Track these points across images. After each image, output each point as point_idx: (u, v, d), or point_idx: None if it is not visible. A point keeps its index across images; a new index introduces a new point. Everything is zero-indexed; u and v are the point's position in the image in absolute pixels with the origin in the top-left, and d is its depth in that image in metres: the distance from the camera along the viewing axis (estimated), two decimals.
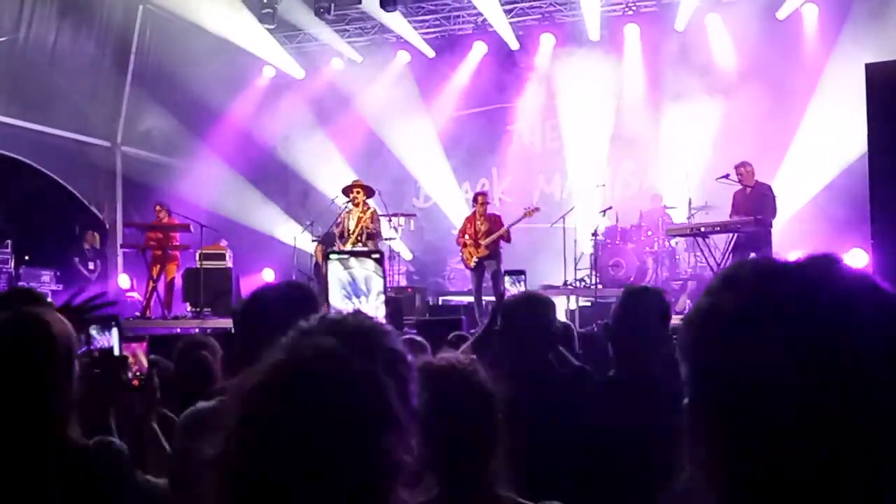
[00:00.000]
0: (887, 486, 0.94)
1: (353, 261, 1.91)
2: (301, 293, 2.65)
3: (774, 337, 0.94)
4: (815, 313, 0.94)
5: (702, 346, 1.01)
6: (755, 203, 10.68)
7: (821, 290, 0.96)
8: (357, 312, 1.37)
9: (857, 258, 11.15)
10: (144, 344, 2.83)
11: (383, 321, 1.60)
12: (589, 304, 12.27)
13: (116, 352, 2.67)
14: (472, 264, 11.83)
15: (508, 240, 11.80)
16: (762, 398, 0.94)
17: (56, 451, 2.09)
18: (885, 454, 0.93)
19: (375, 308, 1.85)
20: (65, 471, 2.08)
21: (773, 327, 0.95)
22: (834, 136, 12.65)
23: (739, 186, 11.05)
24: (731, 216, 10.96)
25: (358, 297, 1.86)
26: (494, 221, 11.85)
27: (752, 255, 10.34)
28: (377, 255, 1.88)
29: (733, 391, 0.97)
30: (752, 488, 0.96)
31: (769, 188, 10.96)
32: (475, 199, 12.23)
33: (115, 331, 2.67)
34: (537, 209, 12.16)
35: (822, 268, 1.00)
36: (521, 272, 4.03)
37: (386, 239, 13.47)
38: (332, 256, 1.94)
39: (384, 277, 1.90)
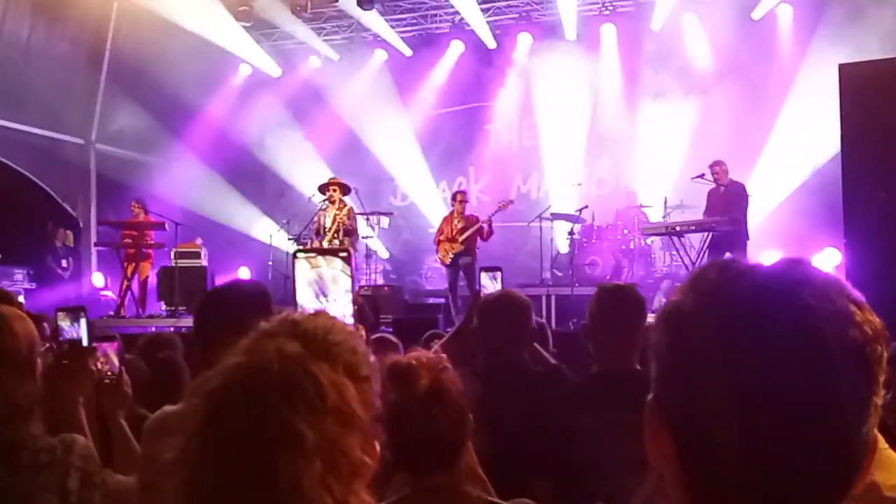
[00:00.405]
0: (837, 488, 0.95)
1: (320, 259, 1.89)
2: (256, 291, 2.64)
3: (728, 339, 0.95)
4: (773, 317, 0.94)
5: (663, 345, 1.02)
6: (729, 202, 10.75)
7: (781, 295, 0.96)
8: (319, 312, 1.36)
9: (831, 257, 11.25)
10: (116, 344, 2.82)
11: (351, 321, 1.59)
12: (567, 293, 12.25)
13: (85, 342, 2.66)
14: (448, 261, 11.83)
15: (490, 233, 11.82)
16: (713, 400, 0.95)
17: (19, 449, 2.06)
18: (835, 457, 0.94)
19: (343, 307, 1.83)
20: (29, 468, 2.06)
21: (728, 329, 0.95)
22: (808, 135, 12.73)
23: (714, 185, 11.12)
24: (704, 215, 11.03)
25: (326, 296, 1.84)
26: (471, 221, 11.88)
27: (728, 254, 10.41)
28: (345, 254, 1.86)
29: (687, 390, 0.97)
30: (703, 487, 0.97)
31: (742, 187, 11.03)
32: (454, 198, 12.25)
33: (83, 321, 2.67)
34: (511, 202, 12.22)
35: (788, 272, 1.00)
36: (498, 268, 4.00)
37: (363, 237, 13.45)
38: (299, 255, 1.92)
39: (352, 276, 1.88)
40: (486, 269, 3.93)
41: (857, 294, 0.99)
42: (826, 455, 0.93)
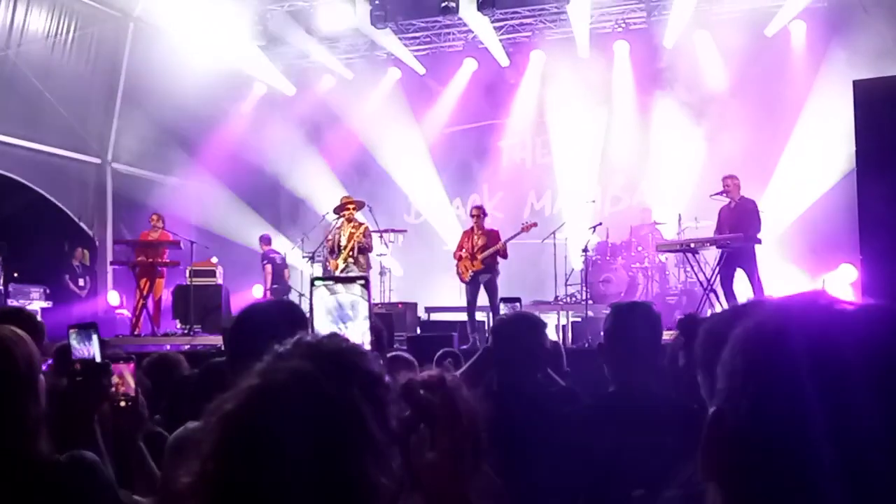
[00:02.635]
0: None
1: (339, 286, 1.90)
2: (290, 311, 2.64)
3: (811, 360, 0.96)
4: (851, 343, 0.96)
5: (740, 363, 1.02)
6: (739, 217, 10.71)
7: (868, 335, 0.98)
8: (333, 335, 1.36)
9: (847, 273, 11.20)
10: (132, 365, 2.81)
11: (368, 346, 1.59)
12: (579, 319, 12.25)
13: (98, 359, 2.66)
14: (468, 278, 11.78)
15: (505, 255, 11.74)
16: (786, 416, 0.96)
17: (24, 469, 2.07)
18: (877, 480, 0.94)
19: (362, 334, 1.83)
20: (35, 487, 2.06)
21: (811, 352, 0.96)
22: (823, 151, 12.70)
23: (726, 202, 11.09)
24: (716, 231, 11.01)
25: (344, 322, 1.84)
26: (492, 236, 11.76)
27: (738, 269, 10.39)
28: (363, 281, 1.87)
29: (761, 406, 0.98)
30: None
31: (754, 203, 10.98)
32: (471, 213, 12.19)
33: (94, 339, 2.66)
34: (534, 224, 12.13)
35: (874, 314, 1.02)
36: (517, 299, 3.98)
37: (377, 255, 13.46)
38: (317, 282, 1.93)
39: (370, 302, 1.89)
40: (506, 301, 3.91)
41: None
42: (867, 479, 0.94)
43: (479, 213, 11.96)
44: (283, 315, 2.58)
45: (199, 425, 2.40)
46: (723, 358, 1.06)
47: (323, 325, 1.87)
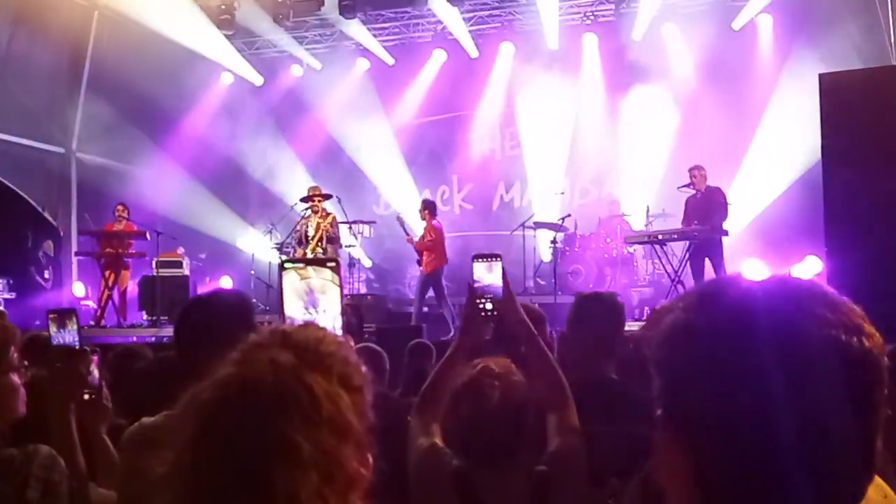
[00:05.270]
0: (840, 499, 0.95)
1: (309, 270, 1.87)
2: (237, 300, 2.63)
3: (744, 357, 0.95)
4: (788, 336, 0.95)
5: (677, 363, 1.01)
6: (707, 207, 10.79)
7: (791, 315, 0.97)
8: (309, 323, 1.35)
9: (813, 265, 11.32)
10: (95, 357, 2.77)
11: (340, 331, 1.57)
12: (548, 311, 12.31)
13: (77, 345, 2.63)
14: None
15: (422, 250, 12.15)
16: (735, 414, 0.95)
17: None
18: (840, 466, 0.94)
19: (333, 318, 1.80)
20: None
21: (744, 348, 0.95)
22: (789, 143, 12.80)
23: (693, 192, 11.17)
24: (682, 221, 11.08)
25: (315, 307, 1.81)
26: (428, 234, 12.21)
27: (707, 258, 10.47)
28: (333, 264, 1.83)
29: (708, 406, 0.97)
30: (722, 498, 0.97)
31: (721, 192, 11.07)
32: None
33: (74, 324, 2.63)
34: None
35: (794, 285, 1.01)
36: (495, 256, 2.98)
37: (346, 246, 13.43)
38: (287, 265, 1.89)
39: (341, 286, 1.86)
40: (482, 257, 2.84)
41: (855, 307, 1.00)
42: (830, 464, 0.94)
43: (421, 208, 12.29)
44: (231, 305, 2.56)
45: (159, 418, 2.38)
46: (653, 359, 1.05)
47: (293, 310, 1.84)
